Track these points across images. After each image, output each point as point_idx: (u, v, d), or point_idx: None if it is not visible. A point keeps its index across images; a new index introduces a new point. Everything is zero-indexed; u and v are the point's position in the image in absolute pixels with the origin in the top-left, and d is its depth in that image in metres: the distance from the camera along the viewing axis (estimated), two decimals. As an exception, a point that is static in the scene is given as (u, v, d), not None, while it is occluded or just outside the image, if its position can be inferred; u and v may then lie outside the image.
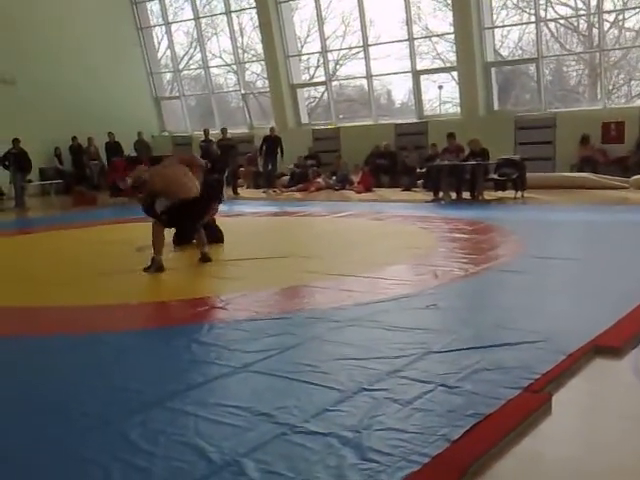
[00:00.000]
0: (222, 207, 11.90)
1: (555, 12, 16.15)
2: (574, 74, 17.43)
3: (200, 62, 20.28)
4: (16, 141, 14.11)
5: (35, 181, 16.27)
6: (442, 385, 3.20)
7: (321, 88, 18.87)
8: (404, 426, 2.80)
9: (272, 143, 15.45)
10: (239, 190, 15.26)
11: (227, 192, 14.66)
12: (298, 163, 16.17)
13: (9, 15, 16.60)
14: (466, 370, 3.37)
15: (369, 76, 16.98)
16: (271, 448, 2.67)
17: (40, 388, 3.50)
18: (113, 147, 17.63)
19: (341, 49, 18.31)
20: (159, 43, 21.09)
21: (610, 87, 15.74)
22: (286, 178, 16.02)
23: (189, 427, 2.89)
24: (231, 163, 15.11)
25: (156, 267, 6.21)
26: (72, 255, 7.84)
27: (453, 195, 12.01)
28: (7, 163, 14.19)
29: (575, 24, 16.36)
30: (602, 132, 13.72)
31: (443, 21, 16.60)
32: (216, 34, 20.17)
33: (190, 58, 21.20)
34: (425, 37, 16.92)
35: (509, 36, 16.54)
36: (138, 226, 10.42)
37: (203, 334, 4.34)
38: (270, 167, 15.61)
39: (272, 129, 15.91)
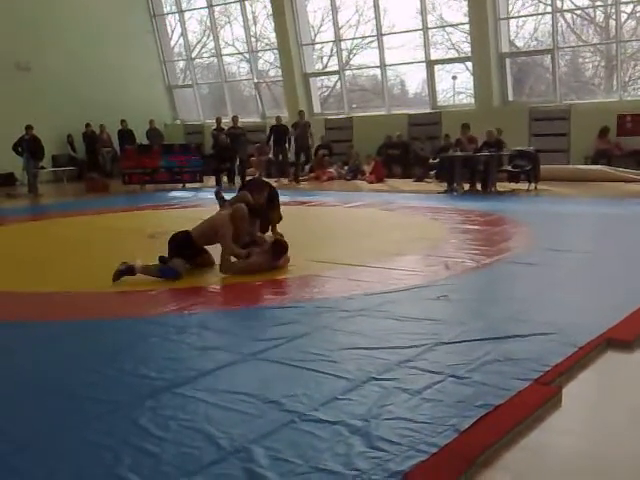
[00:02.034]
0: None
1: (572, 3, 15.96)
2: (590, 66, 17.24)
3: (213, 50, 20.25)
4: (29, 128, 14.16)
5: (48, 168, 16.35)
6: (452, 376, 3.19)
7: (334, 77, 18.79)
8: (413, 416, 2.80)
9: (279, 132, 15.40)
10: (248, 179, 15.25)
11: (236, 180, 14.76)
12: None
13: (25, 3, 16.64)
14: (476, 361, 3.37)
15: (382, 65, 16.90)
16: (280, 435, 2.68)
17: (51, 373, 3.53)
18: (126, 135, 17.68)
19: (354, 38, 18.22)
20: (172, 31, 21.10)
21: (626, 79, 15.57)
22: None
23: (199, 413, 2.91)
24: (240, 151, 15.11)
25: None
26: (84, 242, 7.88)
27: (466, 186, 11.96)
28: (20, 149, 14.25)
29: (592, 15, 16.18)
30: (618, 124, 13.59)
31: (457, 11, 16.46)
32: (229, 22, 20.14)
33: (203, 46, 21.18)
34: (439, 27, 16.79)
35: (524, 27, 16.40)
36: (150, 213, 10.50)
37: (213, 321, 4.35)
38: (281, 157, 15.59)
39: (278, 118, 15.85)
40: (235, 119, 15.79)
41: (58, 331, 4.31)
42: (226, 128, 15.62)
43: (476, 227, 7.81)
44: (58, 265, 6.50)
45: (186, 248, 5.70)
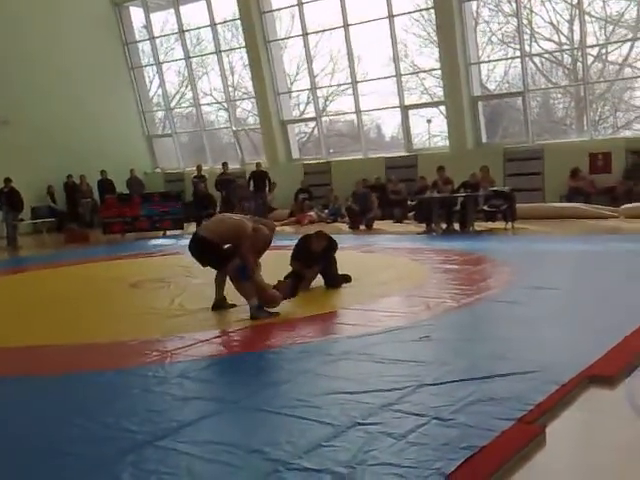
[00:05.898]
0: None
1: (540, 47, 16.49)
2: (561, 106, 17.72)
3: (191, 100, 20.52)
4: (8, 180, 14.15)
5: (27, 220, 16.27)
6: (436, 418, 3.18)
7: (311, 123, 19.08)
8: (398, 460, 2.78)
9: (259, 178, 15.62)
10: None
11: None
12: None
13: (1, 57, 16.79)
14: (460, 402, 3.36)
15: (358, 111, 17.21)
16: (264, 486, 2.64)
17: (30, 429, 3.45)
18: (106, 185, 17.73)
19: (330, 86, 18.59)
20: (151, 82, 21.36)
21: (596, 118, 16.00)
22: (280, 212, 16.15)
23: (181, 467, 2.86)
24: (232, 197, 15.40)
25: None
26: (64, 293, 7.79)
27: (443, 226, 12.09)
28: (-1, 203, 14.21)
29: (560, 58, 16.71)
30: (589, 163, 13.92)
31: (429, 57, 16.92)
32: (207, 73, 20.48)
33: (181, 96, 21.46)
34: (412, 73, 17.21)
35: (495, 70, 16.88)
36: (131, 262, 10.45)
37: (194, 370, 4.30)
38: (261, 202, 15.74)
39: (258, 164, 16.09)
40: (225, 166, 16.12)
41: (37, 385, 4.24)
42: (206, 175, 15.78)
43: (456, 267, 7.87)
44: (38, 318, 6.41)
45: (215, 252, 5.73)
